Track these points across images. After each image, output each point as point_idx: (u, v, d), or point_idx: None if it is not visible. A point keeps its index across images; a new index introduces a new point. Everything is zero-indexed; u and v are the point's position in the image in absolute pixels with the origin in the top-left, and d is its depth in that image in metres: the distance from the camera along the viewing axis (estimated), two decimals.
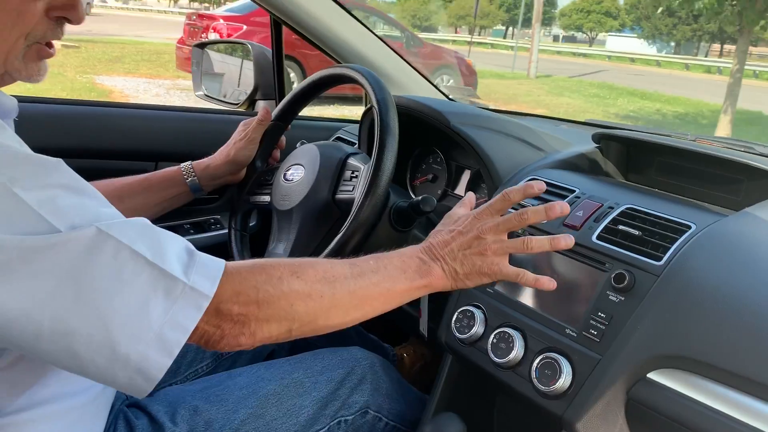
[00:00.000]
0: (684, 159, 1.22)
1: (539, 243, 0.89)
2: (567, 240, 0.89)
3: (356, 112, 1.37)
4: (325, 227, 1.17)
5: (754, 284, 0.86)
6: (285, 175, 1.23)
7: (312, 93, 1.31)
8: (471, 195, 1.02)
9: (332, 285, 0.80)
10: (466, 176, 1.46)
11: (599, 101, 13.62)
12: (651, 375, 0.90)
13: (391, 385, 1.22)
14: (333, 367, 1.15)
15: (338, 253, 1.05)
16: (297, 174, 1.20)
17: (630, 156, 1.31)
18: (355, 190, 1.11)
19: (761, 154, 1.19)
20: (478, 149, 1.24)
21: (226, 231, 1.69)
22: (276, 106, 1.82)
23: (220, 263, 0.72)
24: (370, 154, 1.22)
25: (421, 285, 0.89)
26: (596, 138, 1.32)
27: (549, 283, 0.90)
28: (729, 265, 0.89)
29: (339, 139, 1.79)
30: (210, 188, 1.35)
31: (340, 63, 1.65)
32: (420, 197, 1.12)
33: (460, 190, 1.47)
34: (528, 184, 0.91)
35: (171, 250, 0.69)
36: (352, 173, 1.14)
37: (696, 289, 0.88)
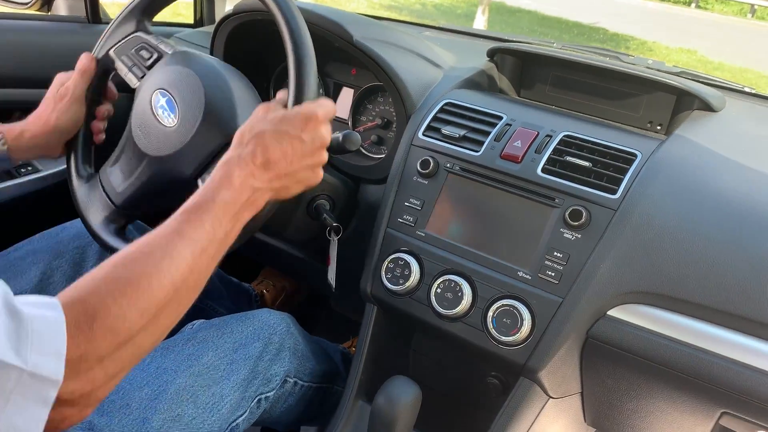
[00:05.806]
0: (582, 73, 1.18)
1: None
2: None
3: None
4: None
5: (706, 212, 0.86)
6: (153, 103, 0.92)
7: None
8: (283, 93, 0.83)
9: (177, 291, 0.61)
10: (347, 95, 1.28)
11: None
12: (610, 312, 0.89)
13: (306, 345, 1.08)
14: (246, 341, 0.97)
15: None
16: (170, 115, 0.91)
17: (524, 71, 1.25)
18: None
19: (657, 69, 1.20)
20: (389, 71, 1.06)
21: (41, 174, 1.34)
22: (86, 7, 1.42)
23: (57, 321, 0.50)
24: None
25: (246, 219, 0.72)
26: (491, 52, 1.23)
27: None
28: (681, 195, 0.88)
29: None
30: (21, 161, 0.99)
31: None
32: (342, 133, 0.93)
33: (341, 112, 1.28)
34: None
35: None
36: None
37: (655, 222, 0.86)
